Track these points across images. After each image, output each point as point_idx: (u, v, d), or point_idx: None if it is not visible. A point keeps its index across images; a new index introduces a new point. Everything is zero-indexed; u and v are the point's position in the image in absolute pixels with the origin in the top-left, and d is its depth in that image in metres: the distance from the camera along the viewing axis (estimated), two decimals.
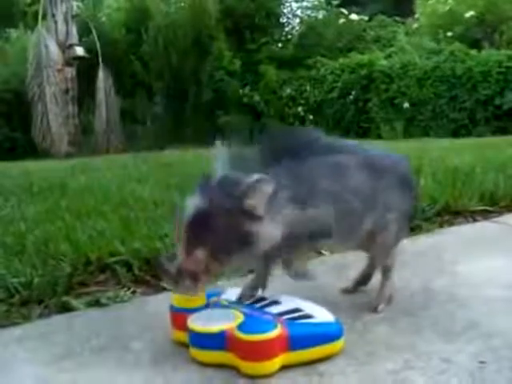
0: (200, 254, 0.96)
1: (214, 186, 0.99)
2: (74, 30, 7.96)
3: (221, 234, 0.96)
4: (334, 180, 1.08)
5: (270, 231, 1.00)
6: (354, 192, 1.10)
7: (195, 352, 0.98)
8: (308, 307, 1.04)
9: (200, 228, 0.96)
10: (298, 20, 10.44)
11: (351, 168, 1.11)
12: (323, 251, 1.61)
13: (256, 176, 0.97)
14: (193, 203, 0.98)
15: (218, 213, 0.96)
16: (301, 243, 1.08)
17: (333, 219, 1.07)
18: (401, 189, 1.17)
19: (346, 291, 1.32)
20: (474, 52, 7.69)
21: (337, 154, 1.12)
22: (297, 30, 10.21)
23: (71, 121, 7.91)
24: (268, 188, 0.97)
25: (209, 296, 1.10)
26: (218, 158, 1.04)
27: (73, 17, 7.98)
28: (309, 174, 1.06)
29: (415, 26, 10.28)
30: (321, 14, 10.39)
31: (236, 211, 0.97)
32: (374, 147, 1.26)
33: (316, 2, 10.55)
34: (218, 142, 1.05)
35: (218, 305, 1.07)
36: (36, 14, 7.99)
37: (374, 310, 1.19)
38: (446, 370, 0.92)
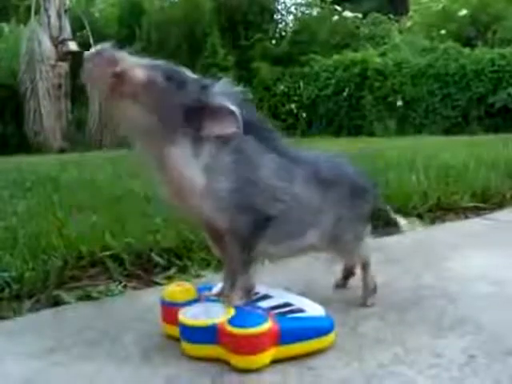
0: (126, 59, 0.94)
1: None
2: (67, 25, 7.90)
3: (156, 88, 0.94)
4: (285, 180, 1.05)
5: None
6: (299, 201, 1.07)
7: (186, 346, 0.98)
8: (299, 301, 1.04)
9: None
10: (291, 17, 10.43)
11: (301, 179, 1.08)
12: None
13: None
14: None
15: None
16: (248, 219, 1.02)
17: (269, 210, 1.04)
18: (351, 198, 1.14)
19: (337, 286, 1.33)
20: (467, 50, 7.71)
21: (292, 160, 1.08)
22: (291, 27, 10.20)
23: (64, 116, 7.86)
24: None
25: (200, 290, 1.10)
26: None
27: (66, 11, 7.93)
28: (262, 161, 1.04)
29: (409, 23, 10.30)
30: (315, 11, 10.38)
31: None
32: (321, 155, 1.20)
33: None
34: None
35: (209, 298, 1.07)
36: (29, 8, 7.92)
37: (364, 304, 1.20)
38: (435, 364, 0.92)
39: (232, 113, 0.95)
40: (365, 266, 1.23)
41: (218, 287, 1.12)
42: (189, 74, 1.00)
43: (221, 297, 1.07)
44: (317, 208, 1.10)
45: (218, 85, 1.01)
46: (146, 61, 0.97)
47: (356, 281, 1.29)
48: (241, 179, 1.00)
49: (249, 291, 1.05)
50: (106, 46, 0.94)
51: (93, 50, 0.94)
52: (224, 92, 1.00)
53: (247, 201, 1.00)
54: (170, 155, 0.96)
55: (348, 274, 1.32)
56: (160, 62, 0.98)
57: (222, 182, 0.98)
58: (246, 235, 1.02)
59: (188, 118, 0.96)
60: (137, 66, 0.94)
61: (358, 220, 1.17)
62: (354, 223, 1.16)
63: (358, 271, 1.26)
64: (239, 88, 1.04)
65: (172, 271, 1.50)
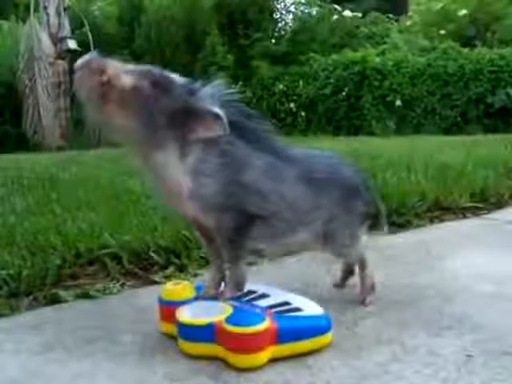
0: (113, 67, 0.95)
1: None
2: (66, 23, 7.88)
3: (150, 93, 0.96)
4: (274, 181, 1.06)
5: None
6: (289, 201, 1.08)
7: (184, 344, 0.98)
8: (297, 300, 1.04)
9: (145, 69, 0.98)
10: (291, 16, 10.42)
11: (291, 178, 1.08)
12: None
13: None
14: None
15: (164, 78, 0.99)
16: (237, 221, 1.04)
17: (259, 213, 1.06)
18: (344, 197, 1.14)
19: (336, 286, 1.33)
20: (466, 50, 7.71)
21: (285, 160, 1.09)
22: (290, 26, 10.19)
23: (63, 114, 7.85)
24: None
25: (198, 288, 1.10)
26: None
27: (65, 9, 7.91)
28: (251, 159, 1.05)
29: (408, 23, 10.30)
30: (314, 10, 10.37)
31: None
32: (321, 155, 1.21)
33: None
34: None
35: (206, 297, 1.07)
36: (28, 5, 7.91)
37: (362, 302, 1.20)
38: (432, 363, 0.92)
39: (217, 116, 0.97)
40: (362, 265, 1.23)
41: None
42: (177, 78, 1.01)
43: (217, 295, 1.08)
44: (308, 207, 1.10)
45: (205, 88, 1.02)
46: (134, 67, 0.99)
47: (355, 280, 1.29)
48: (227, 181, 1.01)
49: (239, 286, 1.07)
50: (93, 55, 0.96)
51: (80, 59, 0.96)
52: (212, 95, 1.01)
53: (233, 202, 1.03)
54: (157, 159, 0.99)
55: (347, 274, 1.32)
56: (147, 68, 0.99)
57: (209, 185, 1.00)
58: (232, 234, 1.05)
59: (174, 123, 0.98)
60: (124, 73, 0.96)
61: (352, 219, 1.17)
62: (347, 222, 1.16)
63: (357, 271, 1.27)
64: (231, 89, 1.04)
65: (170, 270, 1.50)
